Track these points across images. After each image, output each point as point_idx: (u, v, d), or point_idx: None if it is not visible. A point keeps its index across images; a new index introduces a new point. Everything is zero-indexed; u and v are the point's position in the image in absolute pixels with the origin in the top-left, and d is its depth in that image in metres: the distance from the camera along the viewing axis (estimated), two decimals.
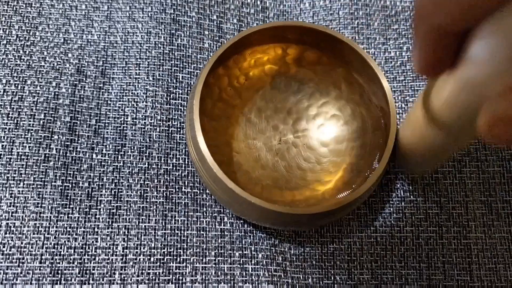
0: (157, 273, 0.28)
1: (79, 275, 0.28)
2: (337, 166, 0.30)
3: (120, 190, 0.30)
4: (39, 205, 0.29)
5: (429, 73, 0.20)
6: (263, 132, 0.31)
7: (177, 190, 0.30)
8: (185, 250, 0.29)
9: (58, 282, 0.28)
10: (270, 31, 0.30)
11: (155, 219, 0.29)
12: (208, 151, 0.26)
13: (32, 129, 0.31)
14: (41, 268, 0.28)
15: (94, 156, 0.31)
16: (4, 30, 0.33)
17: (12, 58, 0.32)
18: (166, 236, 0.29)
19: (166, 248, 0.29)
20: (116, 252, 0.29)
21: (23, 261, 0.28)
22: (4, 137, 0.30)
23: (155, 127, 0.31)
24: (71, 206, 0.29)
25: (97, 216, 0.29)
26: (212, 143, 0.28)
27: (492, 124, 0.16)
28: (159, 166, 0.31)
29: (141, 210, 0.30)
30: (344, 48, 0.30)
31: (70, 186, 0.30)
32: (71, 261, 0.28)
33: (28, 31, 0.33)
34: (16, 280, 0.28)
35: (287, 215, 0.26)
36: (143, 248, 0.29)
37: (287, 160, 0.30)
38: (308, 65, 0.32)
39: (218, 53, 0.28)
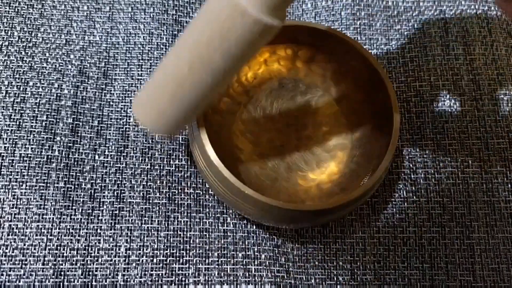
0: (160, 274, 0.28)
1: (82, 277, 0.28)
2: (337, 172, 0.30)
3: (122, 192, 0.30)
4: (42, 206, 0.29)
5: None
6: (267, 131, 0.31)
7: (179, 191, 0.30)
8: (188, 251, 0.29)
9: (61, 283, 0.28)
10: (282, 31, 0.29)
11: (158, 220, 0.29)
12: (213, 150, 0.26)
13: (34, 131, 0.31)
14: (44, 270, 0.28)
15: (96, 157, 0.31)
16: (6, 31, 0.33)
17: (14, 60, 0.32)
18: (169, 237, 0.29)
19: (169, 249, 0.29)
20: (119, 253, 0.29)
21: (26, 262, 0.28)
22: (6, 138, 0.30)
23: None
24: (73, 207, 0.29)
25: (100, 218, 0.29)
26: (214, 137, 0.28)
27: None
28: (161, 167, 0.31)
29: (143, 211, 0.30)
30: (354, 55, 0.29)
31: (73, 187, 0.30)
32: (73, 262, 0.28)
33: (30, 32, 0.33)
34: (19, 281, 0.28)
35: (289, 211, 0.25)
36: (146, 250, 0.29)
37: (288, 161, 0.30)
38: (318, 69, 0.32)
39: None
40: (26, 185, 0.29)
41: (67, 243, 0.29)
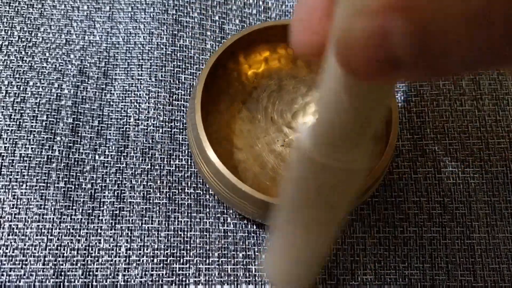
0: (160, 274, 0.28)
1: (82, 277, 0.28)
2: None
3: (123, 192, 0.30)
4: (42, 206, 0.29)
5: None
6: (267, 132, 0.31)
7: (180, 191, 0.30)
8: (188, 251, 0.29)
9: (61, 283, 0.28)
10: (283, 30, 0.29)
11: (158, 220, 0.29)
12: (212, 149, 0.26)
13: (34, 131, 0.31)
14: (44, 270, 0.28)
15: (96, 157, 0.31)
16: (6, 31, 0.33)
17: (14, 60, 0.32)
18: (169, 237, 0.29)
19: (169, 249, 0.29)
20: (119, 253, 0.29)
21: (26, 262, 0.28)
22: (6, 138, 0.30)
23: (157, 128, 0.31)
24: (74, 207, 0.29)
25: (100, 218, 0.29)
26: (214, 136, 0.28)
27: (345, 49, 0.12)
28: (162, 167, 0.31)
29: (144, 211, 0.30)
30: None
31: (73, 187, 0.30)
32: (74, 262, 0.28)
33: (30, 32, 0.33)
34: (19, 282, 0.28)
35: None
36: (146, 250, 0.29)
37: (287, 162, 0.30)
38: (319, 69, 0.31)
39: (228, 44, 0.28)
40: (26, 185, 0.29)
41: (68, 243, 0.29)
